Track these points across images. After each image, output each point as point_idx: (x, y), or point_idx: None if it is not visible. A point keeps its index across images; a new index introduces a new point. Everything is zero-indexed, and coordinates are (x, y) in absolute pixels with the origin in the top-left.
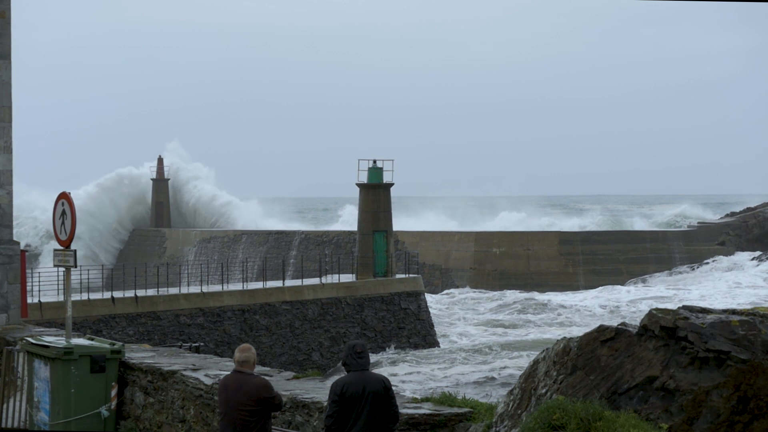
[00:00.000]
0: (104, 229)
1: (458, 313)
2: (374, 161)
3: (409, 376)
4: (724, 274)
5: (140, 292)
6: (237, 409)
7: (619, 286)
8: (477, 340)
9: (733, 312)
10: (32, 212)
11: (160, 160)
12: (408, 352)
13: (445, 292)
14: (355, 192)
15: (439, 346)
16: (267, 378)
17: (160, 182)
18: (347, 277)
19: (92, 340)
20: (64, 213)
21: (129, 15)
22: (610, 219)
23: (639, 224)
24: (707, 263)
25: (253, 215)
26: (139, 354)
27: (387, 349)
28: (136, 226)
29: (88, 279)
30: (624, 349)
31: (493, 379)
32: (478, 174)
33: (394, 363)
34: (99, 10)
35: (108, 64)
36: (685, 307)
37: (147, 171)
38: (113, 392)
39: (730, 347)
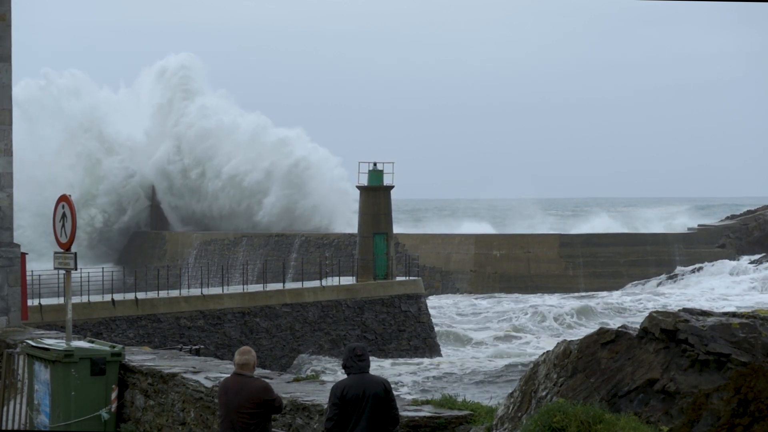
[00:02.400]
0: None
1: (458, 317)
2: (374, 163)
3: (409, 374)
4: (715, 278)
5: (140, 295)
6: (237, 412)
7: (620, 293)
8: (479, 345)
9: (734, 314)
10: None
11: None
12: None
13: (433, 297)
14: (355, 194)
15: (440, 354)
16: (267, 380)
17: None
18: (347, 280)
19: (92, 342)
20: (64, 215)
21: (129, 16)
22: (630, 225)
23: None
24: (706, 266)
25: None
26: (139, 356)
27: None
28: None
29: (126, 280)
30: (624, 351)
31: (493, 380)
32: (479, 176)
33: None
34: (99, 11)
35: (108, 64)
36: (685, 310)
37: (115, 95)
38: (113, 395)
39: (731, 350)
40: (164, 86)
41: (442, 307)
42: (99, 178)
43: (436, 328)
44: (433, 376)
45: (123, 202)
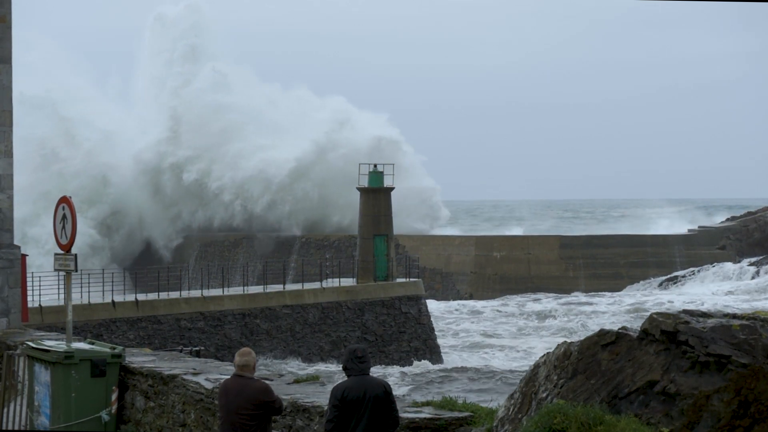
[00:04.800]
0: None
1: (459, 320)
2: (374, 165)
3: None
4: (715, 280)
5: (141, 296)
6: (237, 413)
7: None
8: (480, 349)
9: (734, 316)
10: None
11: None
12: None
13: (439, 301)
14: (356, 195)
15: (440, 356)
16: (267, 382)
17: None
18: (348, 281)
19: (93, 344)
20: (64, 217)
21: (129, 20)
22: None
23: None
24: (707, 267)
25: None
26: (139, 358)
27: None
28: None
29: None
30: (625, 353)
31: (492, 377)
32: (481, 177)
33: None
34: (99, 13)
35: (109, 68)
36: (685, 311)
37: (98, 90)
38: (114, 396)
39: (731, 351)
40: (161, 42)
41: (449, 310)
42: (57, 180)
43: (453, 337)
44: (433, 378)
45: (101, 223)
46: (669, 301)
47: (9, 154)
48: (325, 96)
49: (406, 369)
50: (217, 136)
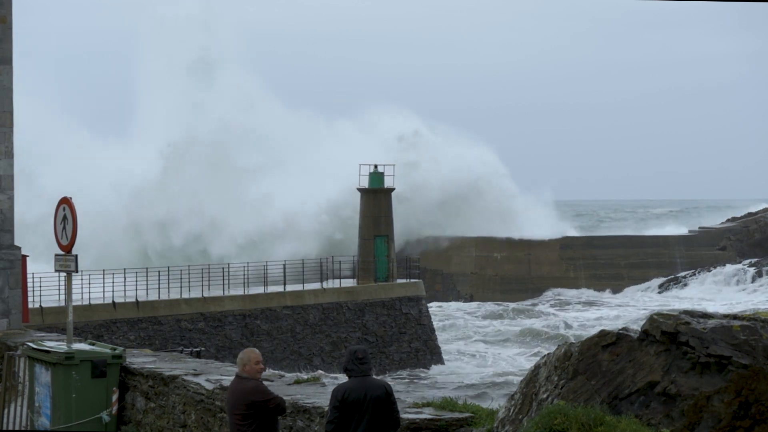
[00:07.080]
0: None
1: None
2: (375, 166)
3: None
4: (716, 281)
5: (141, 297)
6: (232, 414)
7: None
8: (481, 352)
9: (734, 317)
10: None
11: None
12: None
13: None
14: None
15: (441, 356)
16: (267, 383)
17: None
18: (348, 282)
19: (93, 345)
20: (65, 218)
21: (130, 19)
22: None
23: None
24: (708, 269)
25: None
26: (140, 359)
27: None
28: None
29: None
30: (625, 354)
31: (494, 382)
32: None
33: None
34: (99, 14)
35: (110, 69)
36: (686, 312)
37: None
38: (114, 397)
39: (732, 352)
40: (161, 49)
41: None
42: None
43: (453, 338)
44: (433, 379)
45: None
46: (672, 307)
47: (10, 155)
48: (382, 109)
49: (404, 372)
50: (235, 174)
